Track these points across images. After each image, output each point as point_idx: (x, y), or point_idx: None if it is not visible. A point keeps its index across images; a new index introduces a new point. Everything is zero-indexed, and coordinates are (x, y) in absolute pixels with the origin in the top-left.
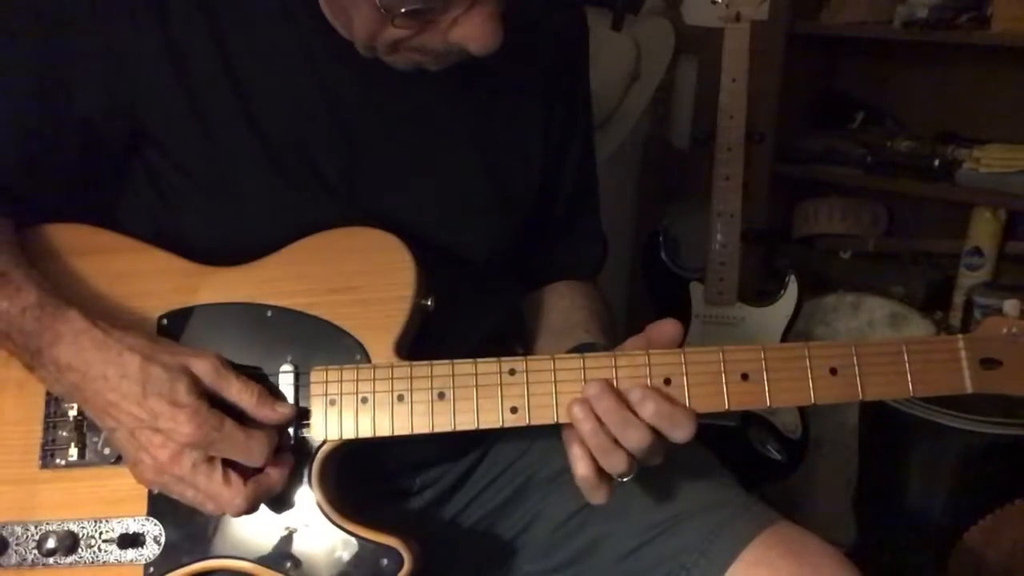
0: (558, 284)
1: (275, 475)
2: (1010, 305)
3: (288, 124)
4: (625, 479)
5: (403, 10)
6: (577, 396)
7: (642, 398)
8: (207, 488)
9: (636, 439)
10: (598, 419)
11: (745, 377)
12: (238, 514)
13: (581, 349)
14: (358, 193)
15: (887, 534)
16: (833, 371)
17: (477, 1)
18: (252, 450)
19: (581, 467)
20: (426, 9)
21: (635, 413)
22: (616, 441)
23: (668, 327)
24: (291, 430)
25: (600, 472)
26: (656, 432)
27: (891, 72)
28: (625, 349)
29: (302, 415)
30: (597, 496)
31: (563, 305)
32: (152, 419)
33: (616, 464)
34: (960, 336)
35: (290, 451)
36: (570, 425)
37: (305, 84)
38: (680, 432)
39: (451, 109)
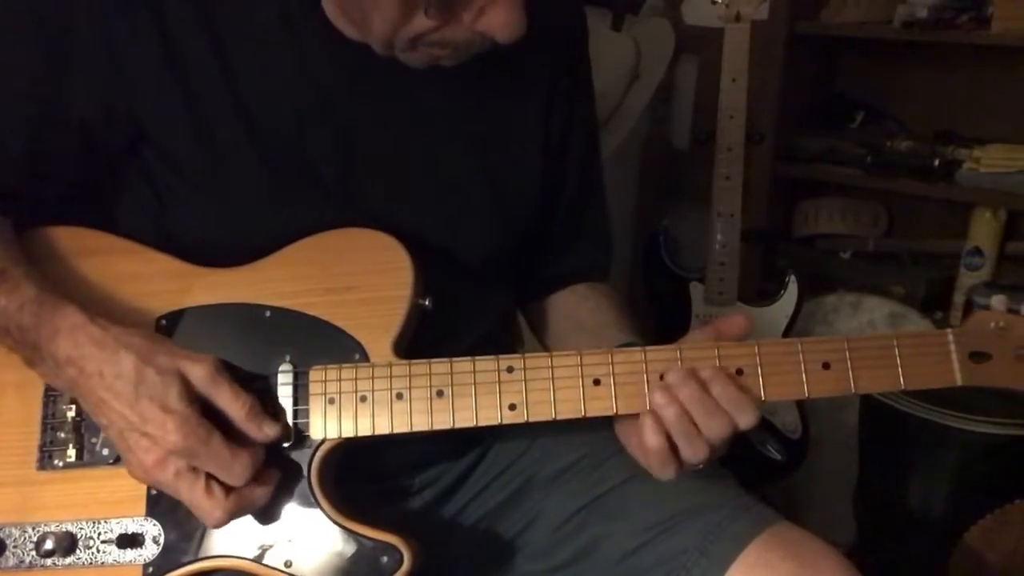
0: (578, 287)
1: (258, 491)
2: (997, 300)
3: (284, 125)
4: (697, 468)
5: None
6: (658, 384)
7: (711, 377)
8: (188, 498)
9: (719, 427)
10: (682, 406)
11: (740, 372)
12: (214, 526)
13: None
14: (354, 194)
15: (887, 534)
16: (826, 365)
17: None
18: (233, 470)
19: (653, 439)
20: None
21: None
22: (698, 429)
23: (737, 321)
24: (291, 426)
25: (673, 446)
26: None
27: (891, 72)
28: (688, 341)
29: (299, 437)
30: (668, 471)
31: (589, 305)
32: (141, 422)
33: (697, 451)
34: (949, 330)
35: (288, 449)
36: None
37: (302, 86)
38: (745, 418)
39: (449, 110)
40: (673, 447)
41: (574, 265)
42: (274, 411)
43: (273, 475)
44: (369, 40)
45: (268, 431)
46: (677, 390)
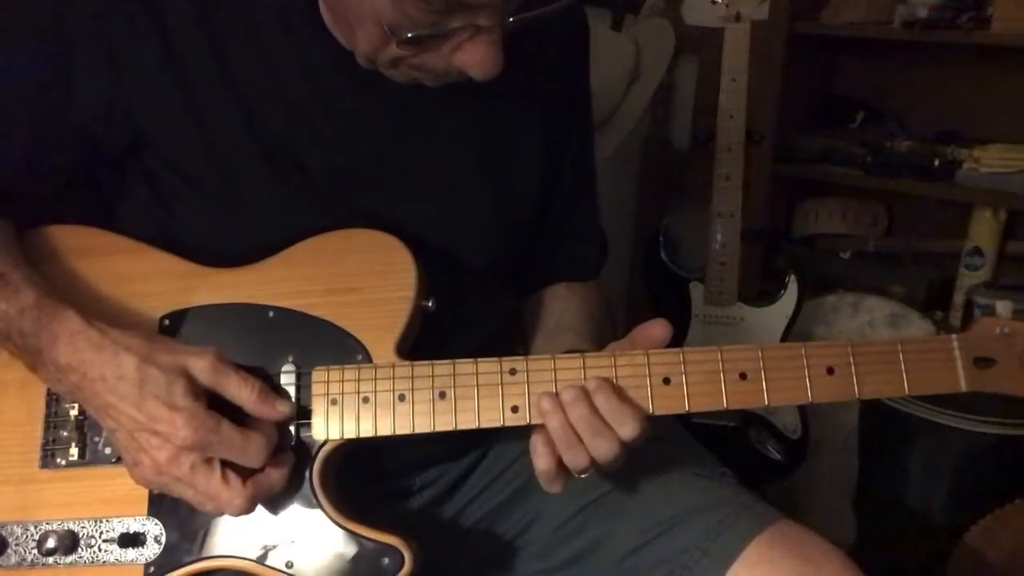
0: (557, 286)
1: (275, 475)
2: (1003, 305)
3: (285, 128)
4: (583, 476)
5: (408, 35)
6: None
7: (596, 388)
8: (206, 489)
9: (604, 447)
10: (565, 415)
11: (743, 376)
12: (237, 514)
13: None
14: (355, 197)
15: (887, 534)
16: (830, 370)
17: (480, 30)
18: (249, 452)
19: (543, 462)
20: (430, 36)
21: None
22: (580, 439)
23: (655, 330)
24: (292, 430)
25: (560, 465)
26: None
27: (891, 72)
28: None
29: (303, 414)
30: (556, 486)
31: (558, 307)
32: (150, 421)
33: (578, 459)
34: (954, 336)
35: (290, 450)
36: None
37: (303, 89)
38: (624, 429)
39: (450, 112)
40: (558, 461)
41: (556, 266)
42: None
43: (287, 457)
44: (355, 52)
45: (281, 408)
46: (562, 399)
